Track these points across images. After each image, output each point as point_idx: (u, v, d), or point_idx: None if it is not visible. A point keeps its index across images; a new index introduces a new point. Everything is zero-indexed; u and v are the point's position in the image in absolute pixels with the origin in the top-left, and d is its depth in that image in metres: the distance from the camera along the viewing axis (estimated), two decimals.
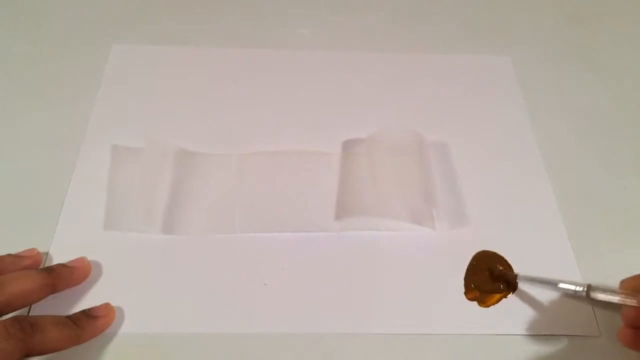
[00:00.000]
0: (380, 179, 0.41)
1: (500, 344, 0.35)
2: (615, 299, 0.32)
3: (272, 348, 0.34)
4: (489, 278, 0.38)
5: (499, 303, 0.37)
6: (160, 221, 0.39)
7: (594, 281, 0.34)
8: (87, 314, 0.33)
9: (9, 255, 0.34)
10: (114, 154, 0.42)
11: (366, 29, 0.54)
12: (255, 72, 0.49)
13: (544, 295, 0.37)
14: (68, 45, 0.50)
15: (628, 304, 0.31)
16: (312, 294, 0.37)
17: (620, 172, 0.45)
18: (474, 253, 0.39)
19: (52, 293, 0.33)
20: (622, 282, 0.34)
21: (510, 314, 0.36)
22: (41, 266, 0.36)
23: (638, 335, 0.32)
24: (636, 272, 0.33)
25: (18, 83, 0.47)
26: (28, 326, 0.29)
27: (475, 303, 0.37)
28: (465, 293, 0.37)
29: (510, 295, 0.37)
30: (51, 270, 0.34)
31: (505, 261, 0.39)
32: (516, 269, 0.38)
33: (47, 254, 0.37)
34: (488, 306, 0.37)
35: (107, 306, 0.34)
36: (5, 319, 0.29)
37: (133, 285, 0.36)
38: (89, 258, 0.36)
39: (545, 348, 0.35)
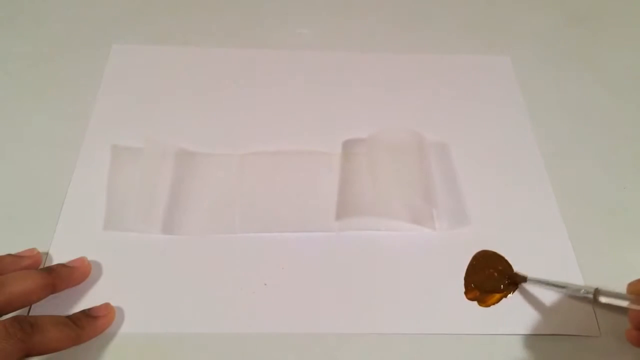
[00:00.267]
0: (380, 179, 0.41)
1: (500, 344, 0.35)
2: (623, 303, 0.32)
3: (272, 348, 0.34)
4: (494, 275, 0.38)
5: (499, 303, 0.37)
6: (160, 221, 0.39)
7: (594, 281, 0.34)
8: (87, 314, 0.33)
9: (9, 255, 0.34)
10: (114, 154, 0.42)
11: (366, 29, 0.54)
12: (255, 72, 0.49)
13: (544, 295, 0.37)
14: (68, 45, 0.50)
15: (636, 308, 0.31)
16: (312, 294, 0.37)
17: (620, 172, 0.45)
18: (474, 253, 0.39)
19: (52, 293, 0.33)
20: (629, 286, 0.34)
21: (510, 314, 0.36)
22: (41, 266, 0.36)
23: None
24: (637, 273, 0.33)
25: (18, 83, 0.47)
26: (28, 326, 0.29)
27: (475, 303, 0.37)
28: (465, 293, 0.37)
29: (510, 295, 0.37)
30: (51, 270, 0.34)
31: (506, 261, 0.39)
32: (516, 269, 0.38)
33: (47, 254, 0.37)
34: (488, 306, 0.37)
35: (107, 306, 0.34)
36: (5, 319, 0.29)
37: (133, 285, 0.36)
38: (89, 258, 0.36)
39: (545, 348, 0.35)
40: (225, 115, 0.46)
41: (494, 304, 0.37)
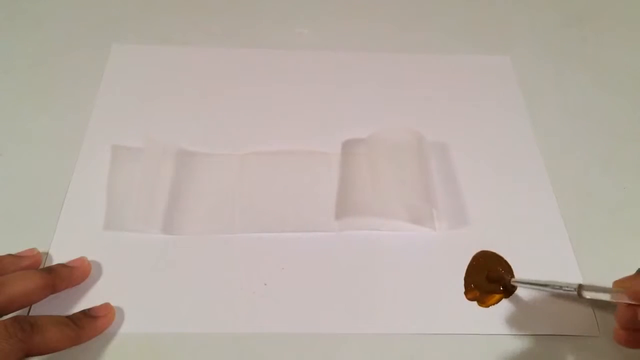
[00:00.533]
0: (380, 179, 0.41)
1: (500, 344, 0.35)
2: (605, 296, 0.32)
3: (272, 348, 0.34)
4: (488, 280, 0.38)
5: (499, 303, 0.37)
6: (160, 221, 0.39)
7: (594, 281, 0.34)
8: (87, 314, 0.33)
9: (9, 255, 0.34)
10: (114, 154, 0.42)
11: (366, 28, 0.54)
12: (255, 72, 0.49)
13: (544, 295, 0.37)
14: (68, 45, 0.50)
15: (617, 300, 0.32)
16: (312, 294, 0.37)
17: (620, 172, 0.45)
18: (474, 253, 0.39)
19: (52, 293, 0.33)
20: (615, 283, 0.34)
21: (510, 314, 0.36)
22: (41, 266, 0.36)
23: (632, 336, 0.32)
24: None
25: (18, 83, 0.47)
26: (28, 326, 0.29)
27: (475, 303, 0.37)
28: (465, 293, 0.37)
29: (510, 296, 0.37)
30: (51, 271, 0.34)
31: (505, 261, 0.39)
32: (516, 269, 0.38)
33: (47, 254, 0.37)
34: (488, 306, 0.37)
35: (107, 306, 0.34)
36: (5, 319, 0.29)
37: (133, 285, 0.36)
38: (89, 258, 0.36)
39: (545, 348, 0.35)
40: (225, 115, 0.46)
41: (493, 304, 0.37)
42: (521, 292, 0.37)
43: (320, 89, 0.48)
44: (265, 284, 0.37)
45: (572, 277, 0.38)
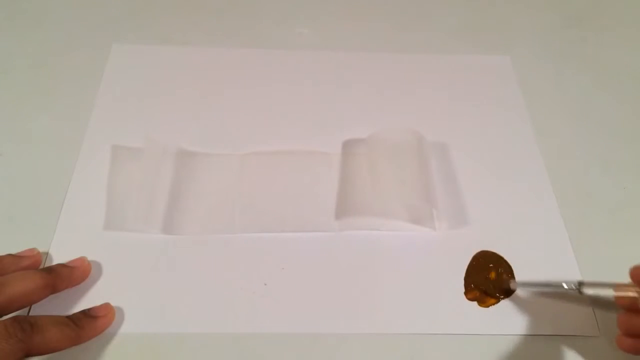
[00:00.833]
0: (380, 179, 0.41)
1: (500, 344, 0.35)
2: (606, 291, 0.32)
3: (272, 348, 0.34)
4: (489, 281, 0.38)
5: (499, 303, 0.37)
6: (160, 221, 0.39)
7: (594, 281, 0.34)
8: (87, 314, 0.33)
9: (9, 255, 0.34)
10: (114, 154, 0.42)
11: (366, 28, 0.54)
12: (255, 72, 0.49)
13: (544, 295, 0.37)
14: (68, 44, 0.50)
15: (619, 293, 0.31)
16: (312, 294, 0.37)
17: (620, 172, 0.45)
18: (474, 253, 0.39)
19: (52, 293, 0.33)
20: (631, 270, 0.34)
21: (510, 314, 0.36)
22: (41, 266, 0.36)
23: (636, 343, 0.32)
24: None
25: (18, 83, 0.47)
26: (28, 326, 0.29)
27: (475, 303, 0.37)
28: (465, 293, 0.37)
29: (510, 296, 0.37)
30: (51, 270, 0.34)
31: (505, 261, 0.39)
32: (516, 269, 0.38)
33: (47, 254, 0.37)
34: (488, 306, 0.37)
35: (107, 306, 0.34)
36: (5, 319, 0.29)
37: (133, 285, 0.36)
38: (89, 258, 0.36)
39: (545, 348, 0.35)
40: (225, 115, 0.46)
41: (493, 304, 0.37)
42: (521, 292, 0.37)
43: (320, 89, 0.48)
44: (265, 284, 0.37)
45: (572, 276, 0.38)
